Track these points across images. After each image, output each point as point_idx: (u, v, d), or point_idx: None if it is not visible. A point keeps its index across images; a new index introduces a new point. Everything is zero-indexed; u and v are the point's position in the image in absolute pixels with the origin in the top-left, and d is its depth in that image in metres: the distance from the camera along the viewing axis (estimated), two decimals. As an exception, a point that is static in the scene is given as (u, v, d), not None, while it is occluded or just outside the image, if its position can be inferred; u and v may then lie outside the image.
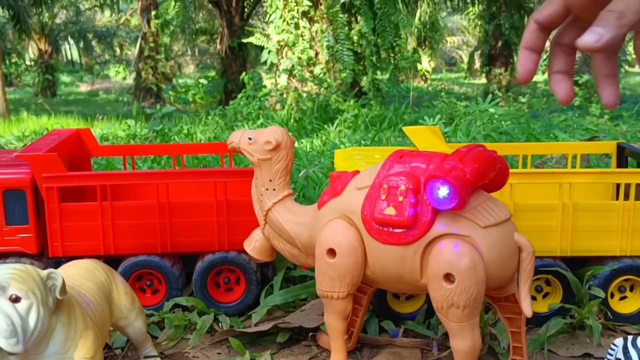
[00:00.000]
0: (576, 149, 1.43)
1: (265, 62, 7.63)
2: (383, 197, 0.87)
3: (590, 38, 0.60)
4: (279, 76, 7.47)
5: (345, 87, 7.34)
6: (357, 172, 0.97)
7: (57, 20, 14.42)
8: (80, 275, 0.95)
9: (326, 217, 0.95)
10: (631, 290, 1.21)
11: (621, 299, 1.21)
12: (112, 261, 1.23)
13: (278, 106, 6.81)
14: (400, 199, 0.86)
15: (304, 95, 6.69)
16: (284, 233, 1.02)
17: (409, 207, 0.86)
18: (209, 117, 7.27)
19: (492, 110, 4.30)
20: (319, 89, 6.81)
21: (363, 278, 0.95)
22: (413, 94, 7.66)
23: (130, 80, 13.79)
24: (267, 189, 1.02)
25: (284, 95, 6.82)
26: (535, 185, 1.31)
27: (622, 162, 1.39)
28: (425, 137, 1.28)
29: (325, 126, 6.05)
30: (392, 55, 7.59)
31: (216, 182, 1.22)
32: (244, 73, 7.38)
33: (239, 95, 7.34)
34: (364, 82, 7.59)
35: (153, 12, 12.09)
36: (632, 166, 1.37)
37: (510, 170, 1.17)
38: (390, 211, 0.87)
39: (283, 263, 1.34)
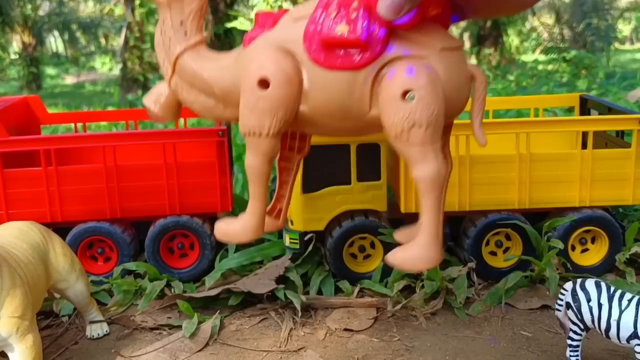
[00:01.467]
0: (539, 103, 1.40)
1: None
2: (333, 14, 0.79)
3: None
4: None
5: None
6: (286, 10, 0.88)
7: (41, 12, 14.26)
8: (13, 235, 0.91)
9: (254, 52, 0.85)
10: (592, 242, 1.18)
11: (583, 251, 1.19)
12: (63, 229, 1.20)
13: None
14: (353, 15, 0.78)
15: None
16: (199, 81, 0.89)
17: (363, 23, 0.78)
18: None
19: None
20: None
21: (299, 120, 0.85)
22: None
23: (116, 72, 13.68)
24: (176, 32, 0.89)
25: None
26: (493, 136, 1.27)
27: (585, 114, 1.36)
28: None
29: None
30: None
31: (165, 143, 1.18)
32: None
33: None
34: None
35: (137, 1, 11.98)
36: None
37: (465, 122, 1.14)
38: (342, 28, 0.78)
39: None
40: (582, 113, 1.35)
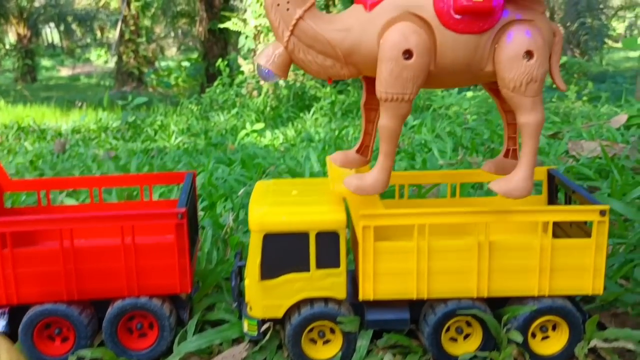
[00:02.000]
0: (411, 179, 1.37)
1: (242, 48, 7.52)
2: None
3: None
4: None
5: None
6: None
7: (36, 4, 14.19)
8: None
9: (384, 17, 0.96)
10: (554, 329, 1.17)
11: (544, 338, 1.18)
12: (20, 309, 1.19)
13: (255, 93, 6.73)
14: None
15: (281, 82, 6.60)
16: (319, 42, 0.98)
17: None
18: (185, 107, 7.18)
19: (461, 103, 4.25)
20: (296, 76, 6.72)
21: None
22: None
23: (112, 64, 13.62)
24: None
25: (260, 83, 6.73)
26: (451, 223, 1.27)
27: (552, 189, 1.34)
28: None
29: (302, 114, 5.98)
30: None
31: (123, 225, 1.17)
32: (220, 60, 7.28)
33: (215, 83, 7.26)
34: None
35: (133, -6, 11.92)
36: (562, 196, 1.33)
37: (423, 210, 1.13)
38: None
39: (201, 304, 1.30)
40: (549, 189, 1.34)
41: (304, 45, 0.98)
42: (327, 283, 1.14)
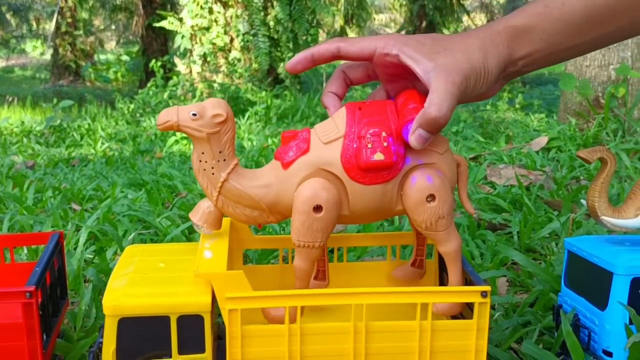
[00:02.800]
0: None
1: (179, 48, 7.34)
2: (370, 145, 1.00)
3: (414, 140, 0.98)
4: (193, 62, 7.19)
5: (261, 75, 7.15)
6: (308, 129, 1.06)
7: (-32, -8, 13.58)
8: None
9: (299, 174, 1.04)
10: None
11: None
12: None
13: (189, 96, 6.58)
14: (385, 144, 1.00)
15: (215, 85, 6.47)
16: (244, 199, 1.06)
17: (393, 149, 1.00)
18: (117, 109, 6.97)
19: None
20: (231, 80, 6.60)
21: (340, 220, 1.06)
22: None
23: (48, 56, 13.15)
24: (218, 161, 1.04)
25: (195, 85, 6.58)
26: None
27: (442, 266, 1.28)
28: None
29: (236, 119, 5.85)
30: (309, 41, 7.42)
31: (-36, 305, 1.05)
32: (153, 60, 7.07)
33: (148, 84, 7.06)
34: (281, 68, 7.40)
35: (69, -14, 11.53)
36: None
37: (294, 292, 1.05)
38: (379, 156, 1.00)
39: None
40: (440, 265, 1.27)
41: (232, 201, 1.06)
42: (190, 371, 1.05)
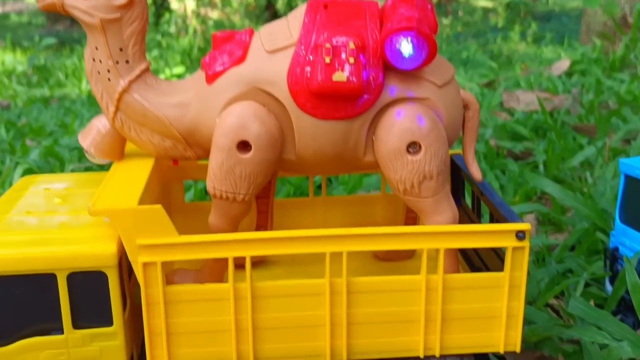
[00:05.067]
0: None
1: (172, -17, 6.91)
2: (328, 59, 0.70)
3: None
4: (186, -2, 6.77)
5: (259, 10, 6.75)
6: (251, 30, 0.78)
7: None
8: None
9: (225, 94, 0.74)
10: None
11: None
12: None
13: (182, 33, 6.20)
14: (352, 60, 0.70)
15: (210, 22, 6.08)
16: (150, 120, 0.77)
17: (363, 69, 0.70)
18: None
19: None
20: (227, 16, 6.20)
21: (284, 167, 0.78)
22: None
23: (43, 2, 12.71)
24: (117, 62, 0.75)
25: (187, 22, 6.19)
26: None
27: (456, 184, 0.95)
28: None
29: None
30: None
31: None
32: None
33: (139, 22, 6.66)
34: (280, 4, 6.99)
35: None
36: (468, 186, 0.94)
37: (242, 236, 0.73)
38: (340, 76, 0.70)
39: None
40: (452, 184, 0.94)
41: (135, 122, 0.77)
42: (94, 350, 0.73)
